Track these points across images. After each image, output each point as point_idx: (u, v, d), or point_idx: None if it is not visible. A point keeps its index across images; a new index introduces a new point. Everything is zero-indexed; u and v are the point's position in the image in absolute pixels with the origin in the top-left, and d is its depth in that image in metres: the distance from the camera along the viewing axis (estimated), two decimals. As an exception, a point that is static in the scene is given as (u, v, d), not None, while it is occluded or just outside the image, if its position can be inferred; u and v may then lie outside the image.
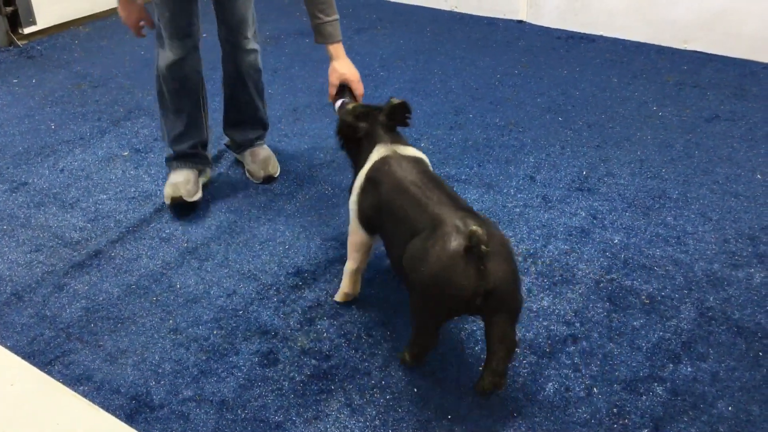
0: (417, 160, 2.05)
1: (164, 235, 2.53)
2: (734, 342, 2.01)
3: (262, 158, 2.82)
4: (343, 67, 2.35)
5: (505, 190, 2.69)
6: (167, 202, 2.62)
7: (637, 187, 2.67)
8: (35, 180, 2.86)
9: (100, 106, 3.44)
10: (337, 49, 2.37)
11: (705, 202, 2.57)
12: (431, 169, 2.07)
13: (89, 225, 2.59)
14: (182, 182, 2.62)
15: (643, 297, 2.17)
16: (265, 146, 2.88)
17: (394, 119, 2.17)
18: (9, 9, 4.08)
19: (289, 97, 3.45)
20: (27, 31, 4.19)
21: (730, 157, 2.82)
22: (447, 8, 4.44)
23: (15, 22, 4.15)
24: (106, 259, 2.42)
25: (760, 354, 1.97)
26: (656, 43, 3.81)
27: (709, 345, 2.00)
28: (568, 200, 2.62)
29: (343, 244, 2.43)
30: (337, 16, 2.37)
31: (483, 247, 1.65)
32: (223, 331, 2.11)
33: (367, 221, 2.07)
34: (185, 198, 2.59)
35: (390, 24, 4.29)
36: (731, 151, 2.86)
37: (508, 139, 3.02)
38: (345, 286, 2.18)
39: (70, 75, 3.78)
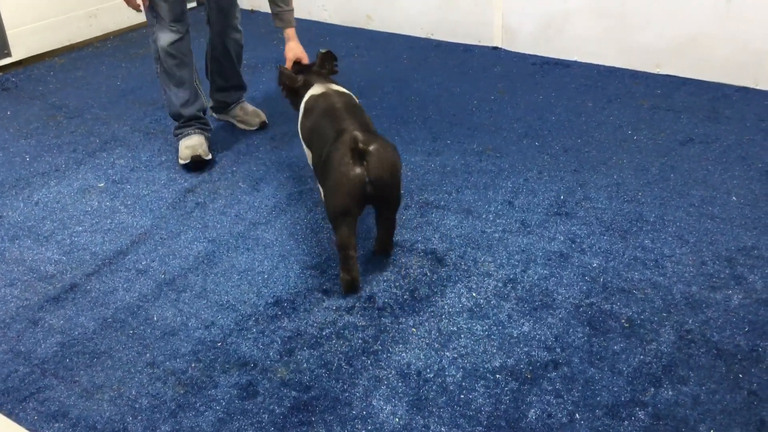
0: (343, 94, 2.59)
1: (141, 267, 2.50)
2: (714, 364, 2.01)
3: (252, 110, 3.44)
4: (296, 48, 2.98)
5: (483, 216, 2.70)
6: (185, 162, 3.07)
7: (615, 211, 2.69)
8: (9, 213, 2.83)
9: (75, 138, 3.41)
10: (292, 33, 3.01)
11: (682, 225, 2.59)
12: (357, 102, 2.60)
13: (64, 258, 2.56)
14: (197, 144, 3.09)
15: (623, 321, 2.18)
16: (247, 102, 3.49)
17: (324, 67, 2.82)
18: (-17, 41, 4.07)
19: (268, 125, 3.45)
20: (2, 63, 4.17)
21: (705, 180, 2.85)
22: (423, 35, 4.47)
23: (-10, 53, 4.13)
24: (82, 292, 2.39)
25: (740, 376, 1.97)
26: (630, 67, 3.86)
27: (689, 368, 2.00)
28: (547, 225, 2.63)
29: (323, 273, 2.42)
30: (293, 7, 3.02)
31: (361, 145, 2.19)
32: (201, 364, 2.08)
33: (307, 142, 2.56)
34: (203, 156, 3.07)
35: (367, 52, 4.31)
36: (706, 174, 2.89)
37: (485, 165, 3.04)
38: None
39: (46, 106, 3.76)
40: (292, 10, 3.03)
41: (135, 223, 2.74)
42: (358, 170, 2.20)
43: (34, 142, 3.38)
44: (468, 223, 2.66)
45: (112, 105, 3.73)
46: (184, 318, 2.26)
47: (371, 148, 2.22)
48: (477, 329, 2.16)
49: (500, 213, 2.71)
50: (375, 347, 2.12)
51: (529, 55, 4.13)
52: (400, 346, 2.12)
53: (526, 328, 2.16)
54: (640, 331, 2.13)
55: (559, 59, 4.04)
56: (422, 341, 2.13)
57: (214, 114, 3.47)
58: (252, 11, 5.13)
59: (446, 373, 2.01)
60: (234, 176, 3.03)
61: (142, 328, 2.22)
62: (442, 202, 2.79)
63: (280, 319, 2.24)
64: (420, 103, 3.62)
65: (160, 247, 2.60)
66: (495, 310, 2.23)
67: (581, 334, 2.13)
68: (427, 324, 2.19)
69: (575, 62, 4.00)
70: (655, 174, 2.91)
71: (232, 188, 2.94)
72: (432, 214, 2.72)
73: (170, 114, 3.18)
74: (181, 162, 3.09)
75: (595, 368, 2.01)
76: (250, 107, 3.45)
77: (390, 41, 4.46)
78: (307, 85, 2.70)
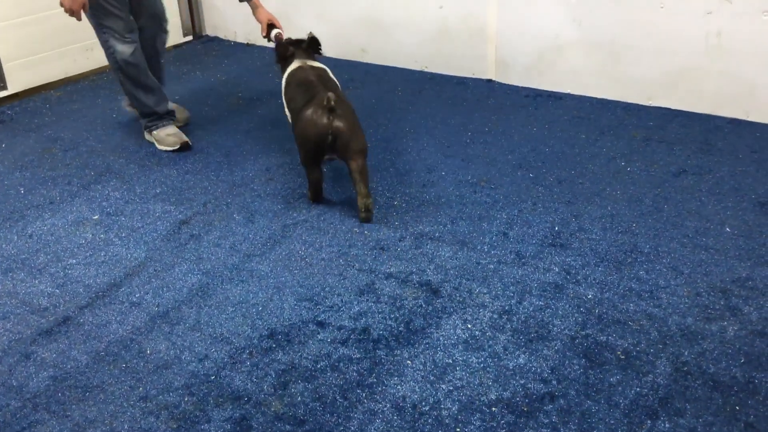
0: (318, 68, 3.21)
1: (134, 300, 2.48)
2: (711, 396, 2.00)
3: (177, 107, 3.80)
4: (267, 12, 3.48)
5: (478, 247, 2.70)
6: (173, 148, 3.51)
7: (609, 242, 2.69)
8: (3, 246, 2.82)
9: (70, 170, 3.42)
10: (256, 1, 3.48)
11: (676, 256, 2.59)
12: (331, 76, 3.23)
13: (58, 291, 2.55)
14: (177, 132, 3.55)
15: (619, 352, 2.17)
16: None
17: (311, 48, 3.33)
18: (-20, 74, 4.09)
19: (262, 157, 3.46)
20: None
21: (699, 211, 2.86)
22: (417, 68, 4.52)
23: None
24: (75, 325, 2.37)
25: (737, 408, 1.96)
26: (622, 100, 3.90)
27: (686, 400, 1.99)
28: (542, 256, 2.63)
29: (318, 304, 2.41)
30: None
31: (331, 102, 2.75)
32: (194, 398, 2.06)
33: (288, 103, 3.12)
34: (188, 141, 3.55)
35: (362, 84, 4.35)
36: (700, 205, 2.91)
37: (480, 196, 3.04)
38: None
39: (41, 139, 3.77)
40: None
41: (129, 255, 2.73)
42: (324, 122, 2.79)
43: (28, 175, 3.38)
44: (463, 255, 2.66)
45: (107, 137, 3.74)
46: (178, 351, 2.24)
47: (338, 109, 2.80)
48: (473, 361, 2.15)
49: (495, 244, 2.71)
50: (370, 380, 2.10)
51: (523, 87, 4.17)
52: (396, 378, 2.10)
53: (522, 360, 2.15)
54: (636, 363, 2.12)
55: (552, 92, 4.08)
56: (418, 373, 2.11)
57: (131, 109, 3.76)
58: (248, 44, 5.18)
59: (442, 406, 2.00)
60: (229, 208, 3.03)
61: (135, 361, 2.21)
62: (437, 234, 2.79)
63: (274, 351, 2.23)
64: (415, 135, 3.64)
65: (153, 280, 2.59)
66: (490, 342, 2.22)
67: (577, 366, 2.12)
68: (422, 356, 2.18)
69: (568, 95, 4.03)
70: (649, 205, 2.92)
71: (227, 220, 2.94)
72: (427, 245, 2.72)
73: (142, 113, 3.54)
74: (168, 149, 3.51)
75: (591, 401, 2.00)
76: (174, 105, 3.78)
77: (385, 74, 4.49)
78: (293, 57, 3.26)
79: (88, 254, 2.75)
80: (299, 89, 3.05)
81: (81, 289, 2.55)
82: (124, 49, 3.34)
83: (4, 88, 4.20)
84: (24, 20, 4.22)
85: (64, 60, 4.51)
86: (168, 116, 3.61)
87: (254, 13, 3.52)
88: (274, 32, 3.44)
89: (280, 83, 3.29)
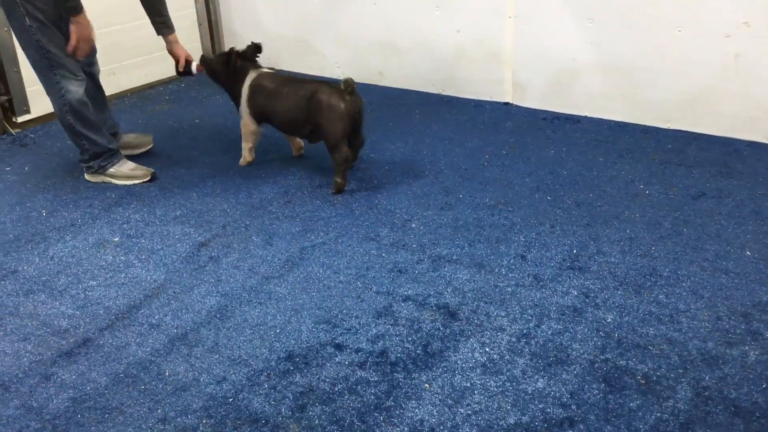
0: (276, 71, 3.54)
1: (154, 321, 2.50)
2: (732, 422, 1.98)
3: (137, 135, 3.89)
4: (183, 49, 3.58)
5: (496, 270, 2.69)
6: (143, 180, 3.49)
7: (628, 266, 2.68)
8: (25, 268, 2.85)
9: (92, 193, 3.46)
10: (175, 36, 3.55)
11: (696, 280, 2.58)
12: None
13: (78, 312, 2.57)
14: (138, 165, 3.53)
15: (639, 377, 2.15)
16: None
17: (253, 55, 3.52)
18: (4, 98, 4.16)
19: (281, 180, 3.48)
20: (21, 119, 4.26)
21: (719, 234, 2.84)
22: (435, 92, 4.54)
23: (9, 110, 4.22)
24: (95, 347, 2.39)
25: (760, 434, 1.94)
26: (640, 122, 3.89)
27: (707, 426, 1.97)
28: (560, 279, 2.62)
29: (336, 327, 2.41)
30: (169, 15, 3.52)
31: (353, 85, 3.22)
32: (212, 420, 2.07)
33: (257, 115, 3.47)
34: (153, 171, 3.54)
35: (379, 107, 4.38)
36: (719, 228, 2.89)
37: (498, 219, 3.04)
38: (248, 157, 3.64)
39: (63, 162, 3.82)
40: (169, 17, 3.55)
41: (149, 277, 2.75)
42: (353, 103, 3.23)
43: (50, 197, 3.43)
44: (480, 277, 2.65)
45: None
46: (196, 373, 2.25)
47: (354, 89, 3.24)
48: (491, 385, 2.14)
49: (513, 267, 2.71)
50: (388, 403, 2.10)
51: (540, 110, 4.18)
52: (413, 402, 2.09)
53: (540, 385, 2.14)
54: (657, 388, 2.10)
55: (569, 114, 4.08)
56: (435, 397, 2.11)
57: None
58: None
59: (460, 430, 1.99)
60: (247, 230, 3.05)
61: (153, 383, 2.22)
62: (455, 256, 2.79)
63: (292, 374, 2.23)
64: (432, 158, 3.65)
65: (173, 302, 2.60)
66: (509, 366, 2.21)
67: (597, 391, 2.10)
68: (440, 379, 2.17)
69: (585, 117, 4.03)
70: (668, 229, 2.91)
71: (246, 242, 2.96)
72: (444, 268, 2.72)
73: (95, 153, 3.44)
74: (137, 182, 3.48)
75: (611, 426, 1.98)
76: (132, 134, 3.86)
77: (402, 97, 4.52)
78: (242, 70, 3.46)
79: (108, 276, 2.78)
80: (289, 87, 3.36)
81: (101, 311, 2.57)
82: (77, 88, 3.26)
83: (28, 111, 4.27)
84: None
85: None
86: (118, 151, 3.55)
87: (171, 48, 3.56)
88: (194, 65, 3.61)
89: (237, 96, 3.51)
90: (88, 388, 2.21)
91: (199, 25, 5.18)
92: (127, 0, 4.63)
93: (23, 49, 3.21)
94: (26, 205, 3.35)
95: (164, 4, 3.51)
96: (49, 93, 3.29)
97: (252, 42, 3.52)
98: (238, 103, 3.54)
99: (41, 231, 3.12)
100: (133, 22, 4.67)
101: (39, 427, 2.07)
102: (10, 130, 4.20)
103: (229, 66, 3.49)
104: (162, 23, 3.52)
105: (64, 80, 3.22)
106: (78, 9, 3.16)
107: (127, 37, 4.74)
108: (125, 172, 3.50)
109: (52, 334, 2.46)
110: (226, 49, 5.34)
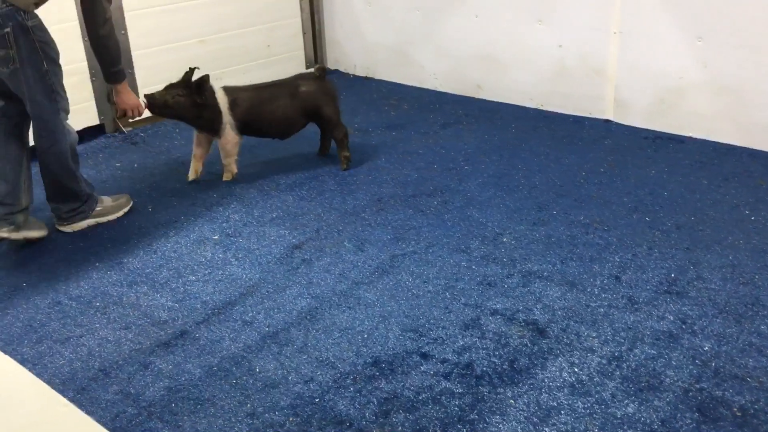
0: (244, 85, 3.70)
1: (247, 319, 2.58)
2: (838, 465, 1.87)
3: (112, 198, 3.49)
4: (133, 98, 3.32)
5: (588, 289, 2.64)
6: (128, 207, 3.38)
7: (729, 293, 2.58)
8: (130, 260, 3.00)
9: (195, 191, 3.60)
10: (125, 86, 3.27)
11: (803, 312, 2.45)
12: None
13: (177, 305, 2.68)
14: (113, 196, 3.37)
15: (735, 409, 2.06)
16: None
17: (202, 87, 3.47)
18: (118, 98, 4.38)
19: (374, 188, 3.53)
20: (132, 119, 4.47)
21: (830, 266, 2.70)
22: (533, 106, 4.50)
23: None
24: (191, 339, 2.48)
25: None
26: (747, 146, 3.74)
27: (809, 466, 1.87)
28: (656, 303, 2.55)
29: (423, 336, 2.42)
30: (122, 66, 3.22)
31: (325, 71, 3.78)
32: (298, 419, 2.11)
33: (244, 127, 3.59)
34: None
35: (475, 120, 4.37)
36: (831, 259, 2.74)
37: (592, 237, 2.99)
38: (234, 168, 3.69)
39: (170, 161, 3.99)
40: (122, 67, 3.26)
41: (244, 276, 2.84)
42: (333, 86, 3.77)
43: (156, 194, 3.59)
44: (572, 296, 2.61)
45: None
46: (285, 372, 2.31)
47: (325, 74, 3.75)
48: (578, 406, 2.10)
49: (606, 287, 2.65)
50: (471, 416, 2.09)
51: (642, 129, 4.07)
52: (498, 417, 2.08)
53: (630, 410, 2.08)
54: (753, 422, 2.01)
55: (672, 134, 3.96)
56: (520, 414, 2.08)
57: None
58: (366, 78, 5.31)
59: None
60: (340, 235, 3.11)
61: (244, 378, 2.29)
62: (546, 273, 2.75)
63: (377, 379, 2.25)
64: (527, 173, 3.62)
65: (266, 300, 2.68)
66: (598, 388, 2.16)
67: (689, 420, 2.03)
68: (526, 396, 2.15)
69: (690, 138, 3.90)
70: (775, 257, 2.78)
71: (338, 247, 3.01)
72: (535, 283, 2.68)
73: (86, 194, 3.18)
74: (124, 210, 3.35)
75: (703, 458, 1.91)
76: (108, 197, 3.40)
77: (499, 111, 4.50)
78: (209, 95, 3.48)
79: (206, 272, 2.88)
80: (267, 91, 3.61)
81: (198, 305, 2.67)
82: (71, 130, 3.06)
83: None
84: (159, 49, 4.51)
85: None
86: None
87: (116, 96, 3.29)
88: (140, 109, 3.42)
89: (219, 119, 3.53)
90: (183, 378, 2.30)
91: (304, 34, 5.31)
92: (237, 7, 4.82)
93: (31, 96, 2.88)
94: (134, 200, 3.52)
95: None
96: (51, 141, 2.98)
97: (189, 67, 3.49)
98: (209, 126, 3.53)
99: (146, 226, 3.28)
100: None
101: (135, 413, 2.16)
102: (122, 128, 4.42)
103: (201, 91, 3.43)
104: (112, 73, 3.20)
105: (65, 122, 3.02)
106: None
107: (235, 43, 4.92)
108: (108, 207, 3.30)
109: (152, 325, 2.57)
110: (326, 58, 5.48)
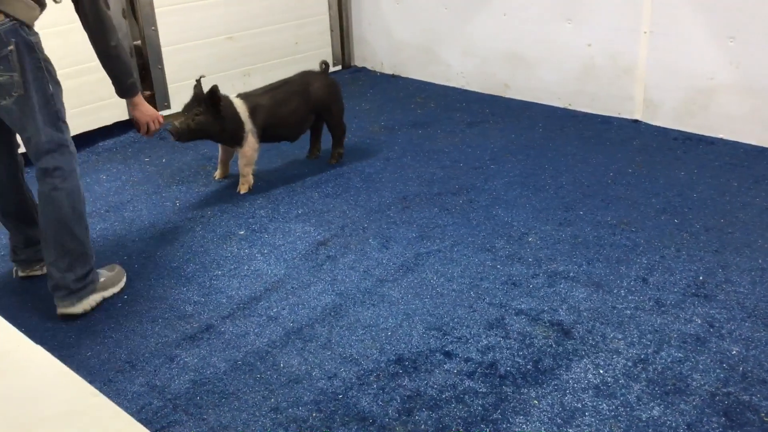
0: (256, 89, 3.66)
1: (272, 314, 2.59)
2: None
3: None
4: (151, 108, 3.01)
5: (615, 291, 2.62)
6: (123, 280, 2.81)
7: (758, 297, 2.54)
8: (158, 254, 3.03)
9: (221, 187, 3.63)
10: (140, 97, 2.94)
11: (834, 318, 2.41)
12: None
13: (203, 299, 2.70)
14: (107, 267, 2.82)
15: (763, 414, 2.03)
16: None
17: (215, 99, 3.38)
18: (147, 93, 4.42)
19: (400, 185, 3.53)
20: (162, 114, 4.50)
21: None
22: (561, 105, 4.47)
23: (151, 105, 4.48)
24: (216, 333, 2.50)
25: None
26: (780, 147, 3.68)
27: (839, 474, 1.84)
28: (683, 306, 2.52)
29: (446, 334, 2.42)
30: (135, 77, 3.09)
31: (329, 67, 3.84)
32: (322, 414, 2.12)
33: (263, 133, 3.53)
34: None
35: (502, 119, 4.35)
36: None
37: (619, 239, 2.96)
38: (250, 182, 3.58)
39: (198, 157, 4.02)
40: (135, 78, 3.02)
41: (269, 271, 2.85)
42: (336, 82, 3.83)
43: (184, 189, 3.62)
44: (598, 297, 2.59)
45: (259, 158, 3.94)
46: (309, 367, 2.32)
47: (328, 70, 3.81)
48: (603, 408, 2.08)
49: (633, 289, 2.62)
50: (495, 416, 2.08)
51: (671, 129, 4.02)
52: (521, 417, 2.07)
53: (656, 413, 2.06)
54: (783, 429, 1.98)
55: (702, 135, 3.91)
56: (544, 415, 2.07)
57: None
58: (393, 75, 5.31)
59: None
60: (365, 233, 3.11)
61: (268, 373, 2.30)
62: (572, 273, 2.73)
63: (400, 377, 2.25)
64: (553, 172, 3.59)
65: (290, 296, 2.69)
66: (623, 390, 2.15)
67: (716, 425, 2.01)
68: (550, 397, 2.14)
69: (720, 139, 3.85)
70: (806, 261, 2.74)
71: (362, 244, 3.02)
72: (560, 284, 2.67)
73: (82, 260, 2.61)
74: (121, 285, 2.78)
75: (730, 463, 1.89)
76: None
77: (526, 110, 4.48)
78: (227, 107, 3.40)
79: (232, 267, 2.90)
80: (277, 92, 3.58)
81: (224, 300, 2.69)
82: (78, 169, 2.62)
83: (168, 107, 4.52)
84: (189, 45, 4.55)
85: (222, 84, 4.80)
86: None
87: (134, 110, 2.95)
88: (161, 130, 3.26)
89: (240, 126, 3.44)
90: (208, 372, 2.32)
91: (331, 31, 5.32)
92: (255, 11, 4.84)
93: (35, 127, 2.47)
94: (162, 195, 3.55)
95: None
96: (59, 177, 2.52)
97: (195, 80, 3.40)
98: (231, 137, 3.45)
99: (174, 220, 3.31)
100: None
101: (161, 405, 2.19)
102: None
103: (215, 102, 3.33)
104: (127, 86, 2.84)
105: (73, 162, 2.58)
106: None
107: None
108: (108, 280, 2.75)
109: (178, 318, 2.60)
110: (353, 56, 5.49)
